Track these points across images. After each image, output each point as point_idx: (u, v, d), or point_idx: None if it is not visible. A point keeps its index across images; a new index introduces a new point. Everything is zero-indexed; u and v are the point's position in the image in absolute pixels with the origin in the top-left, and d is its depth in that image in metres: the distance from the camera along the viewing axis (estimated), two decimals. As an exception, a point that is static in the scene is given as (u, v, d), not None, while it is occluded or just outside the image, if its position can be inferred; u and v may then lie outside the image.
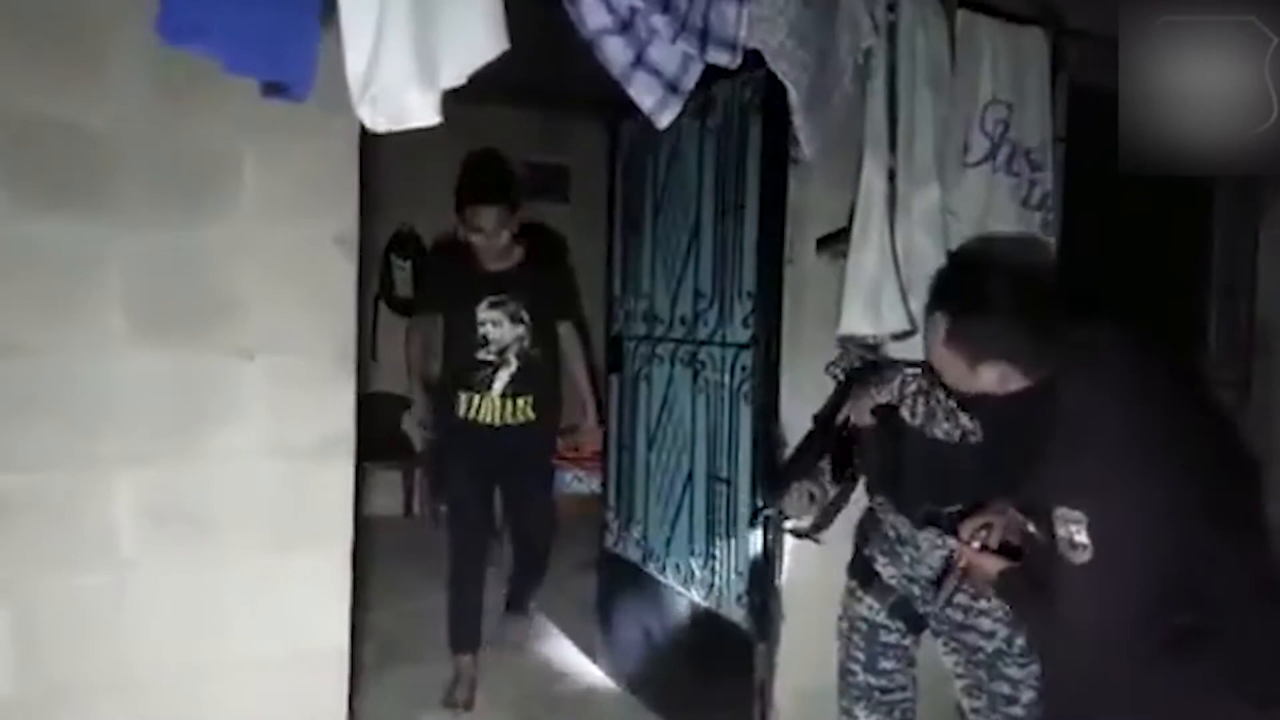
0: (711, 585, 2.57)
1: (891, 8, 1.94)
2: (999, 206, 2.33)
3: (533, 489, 3.12)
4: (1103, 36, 2.84)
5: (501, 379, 2.90)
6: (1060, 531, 1.46)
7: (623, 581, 2.98)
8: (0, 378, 1.62)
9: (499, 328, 2.88)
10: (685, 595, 2.67)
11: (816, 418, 2.08)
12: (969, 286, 1.59)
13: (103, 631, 1.73)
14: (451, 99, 1.42)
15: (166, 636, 1.78)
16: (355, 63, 1.22)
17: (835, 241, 2.26)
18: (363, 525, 1.98)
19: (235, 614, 1.84)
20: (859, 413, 1.99)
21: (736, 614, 2.44)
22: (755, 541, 2.38)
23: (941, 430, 1.90)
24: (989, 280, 1.57)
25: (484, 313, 2.87)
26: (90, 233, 1.68)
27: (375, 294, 4.70)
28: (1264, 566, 1.55)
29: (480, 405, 2.90)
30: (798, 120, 1.75)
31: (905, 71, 1.96)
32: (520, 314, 2.89)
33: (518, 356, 2.90)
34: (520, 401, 2.92)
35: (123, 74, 1.64)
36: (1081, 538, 1.42)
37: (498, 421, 2.91)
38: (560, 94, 3.49)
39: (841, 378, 2.15)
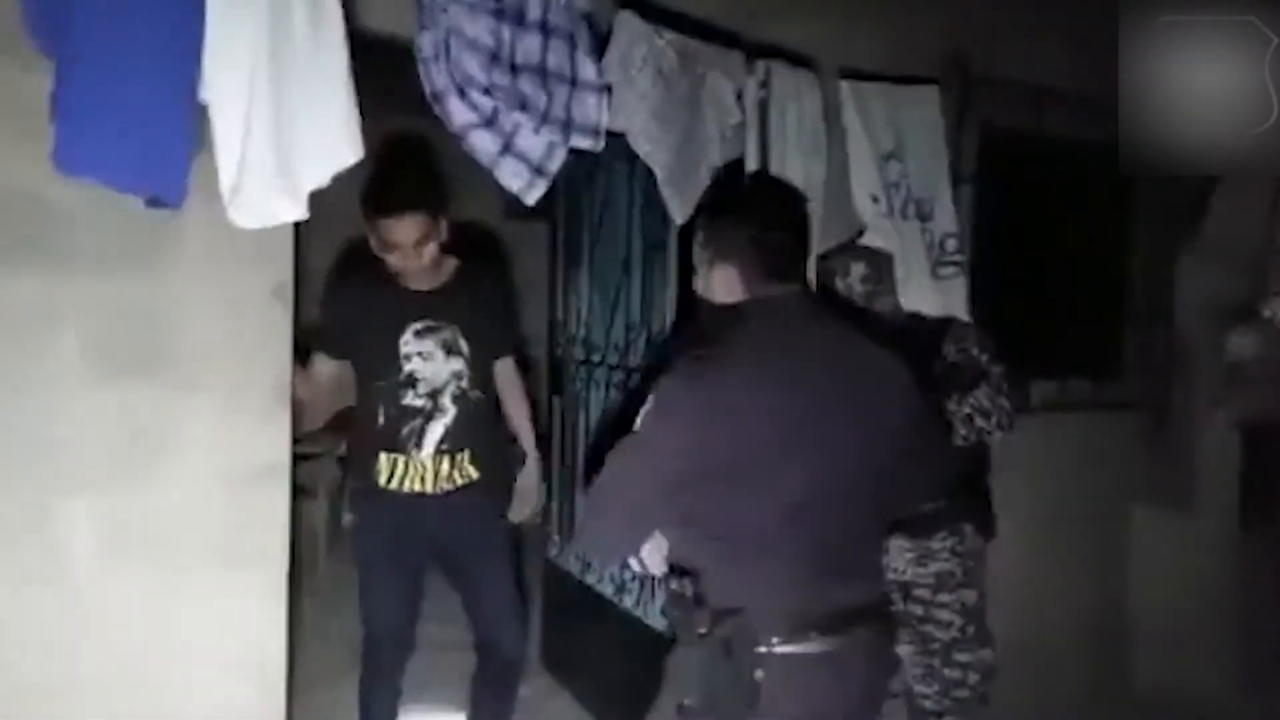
0: (639, 596, 2.80)
1: (764, 84, 2.15)
2: (910, 249, 2.51)
3: (487, 576, 2.39)
4: (1017, 81, 3.06)
5: (434, 431, 2.28)
6: None
7: (562, 590, 3.21)
8: None
9: (429, 362, 2.27)
10: (617, 604, 2.89)
11: None
12: (717, 194, 1.98)
13: (62, 639, 1.93)
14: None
15: (121, 644, 1.96)
16: (226, 175, 1.44)
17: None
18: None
19: (183, 624, 2.01)
20: None
21: (661, 623, 2.65)
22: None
23: None
24: (731, 190, 1.91)
25: (409, 344, 2.26)
26: (51, 286, 1.91)
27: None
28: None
29: (407, 468, 2.28)
30: (665, 191, 1.95)
31: (776, 140, 2.17)
32: (456, 343, 2.29)
33: (455, 400, 2.29)
34: (459, 458, 2.31)
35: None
36: None
37: (431, 488, 2.29)
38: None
39: None
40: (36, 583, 1.91)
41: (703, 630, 1.52)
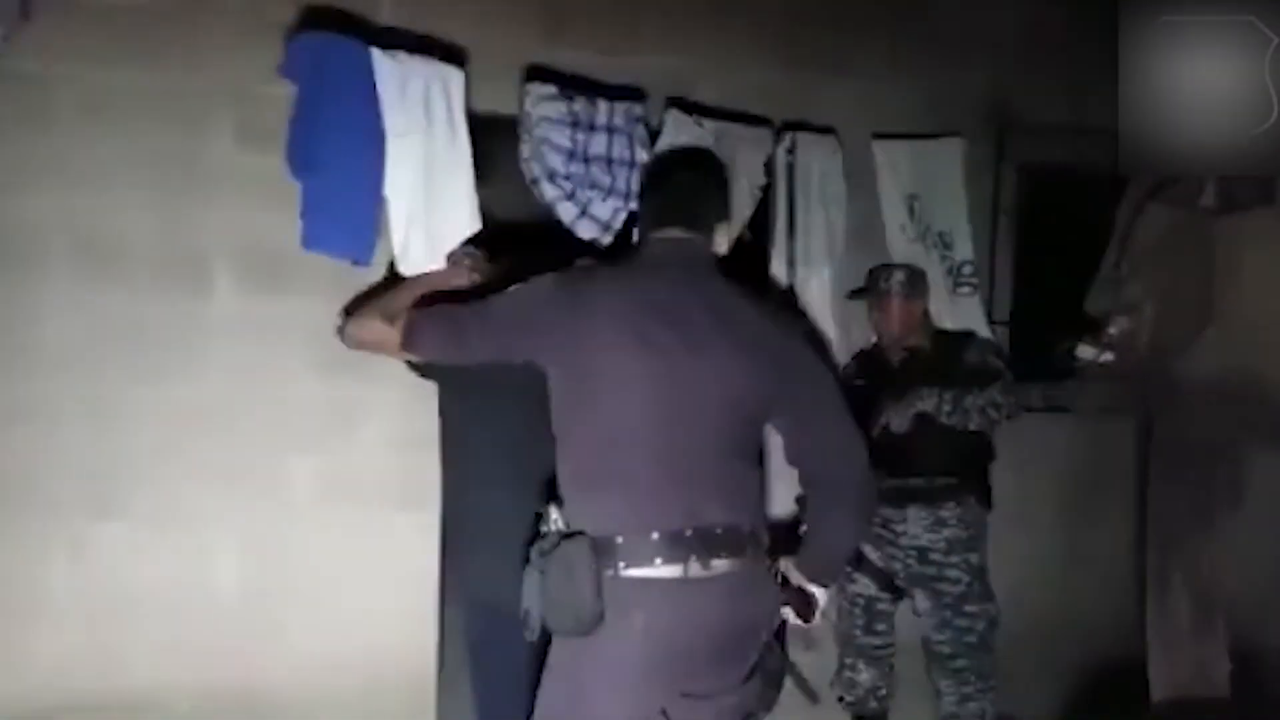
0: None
1: (790, 151, 2.77)
2: (931, 273, 3.05)
3: None
4: (1051, 123, 3.46)
5: None
6: None
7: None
8: (223, 402, 2.66)
9: None
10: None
11: None
12: None
13: (287, 555, 2.73)
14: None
15: (326, 559, 2.75)
16: (398, 244, 2.25)
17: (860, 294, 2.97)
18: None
19: (367, 548, 2.77)
20: (900, 421, 2.65)
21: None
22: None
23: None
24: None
25: None
26: (283, 305, 2.68)
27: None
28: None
29: None
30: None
31: (801, 195, 2.78)
32: None
33: None
34: None
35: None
36: None
37: None
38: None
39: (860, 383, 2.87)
40: (271, 514, 2.72)
41: (545, 552, 1.59)
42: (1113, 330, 2.54)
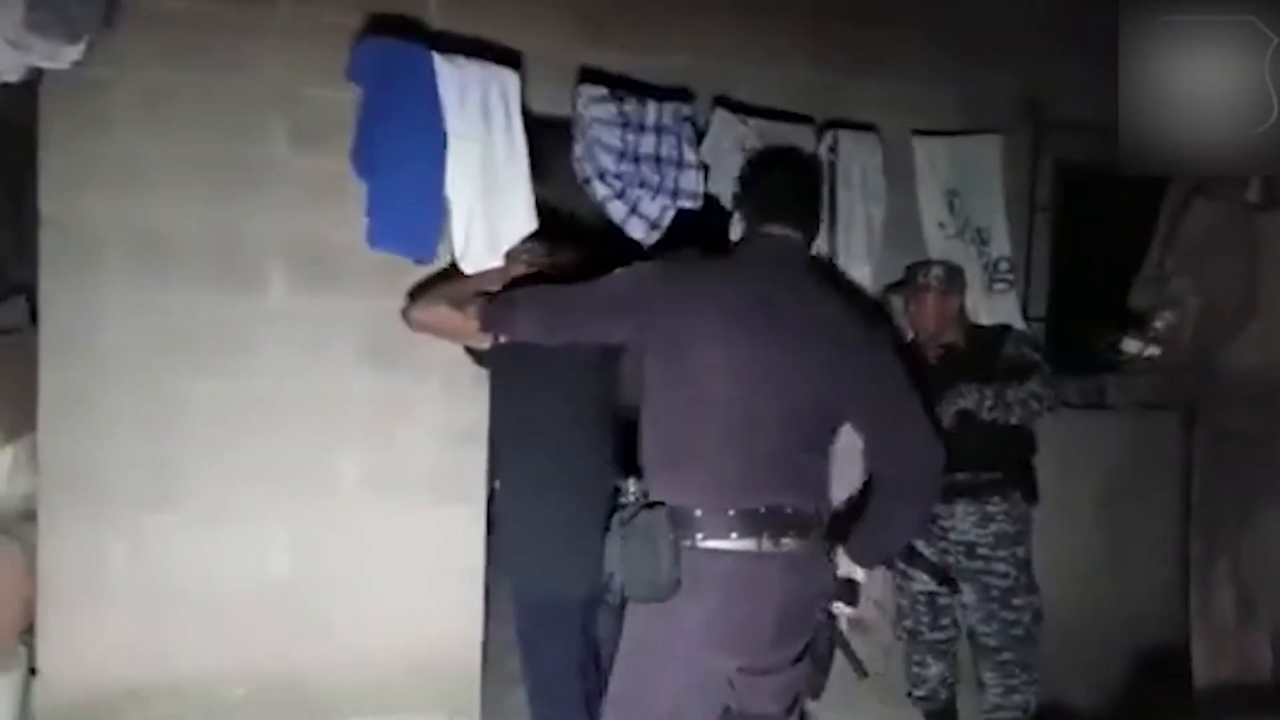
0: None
1: (832, 149, 2.80)
2: (968, 268, 3.08)
3: None
4: (1086, 121, 3.47)
5: None
6: None
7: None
8: (274, 397, 2.71)
9: None
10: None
11: None
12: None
13: (337, 545, 2.79)
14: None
15: (375, 550, 2.80)
16: (458, 243, 2.31)
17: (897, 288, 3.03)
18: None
19: (414, 539, 2.83)
20: (942, 419, 2.65)
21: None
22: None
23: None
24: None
25: None
26: (337, 303, 2.73)
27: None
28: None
29: None
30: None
31: (843, 190, 2.82)
32: None
33: None
34: None
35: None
36: None
37: None
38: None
39: None
40: (320, 508, 2.78)
41: (626, 520, 1.69)
42: (1158, 325, 2.57)
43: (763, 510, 1.68)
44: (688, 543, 1.65)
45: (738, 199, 2.05)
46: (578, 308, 1.84)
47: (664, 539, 1.64)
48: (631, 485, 1.78)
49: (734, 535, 1.66)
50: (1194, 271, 2.56)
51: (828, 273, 1.87)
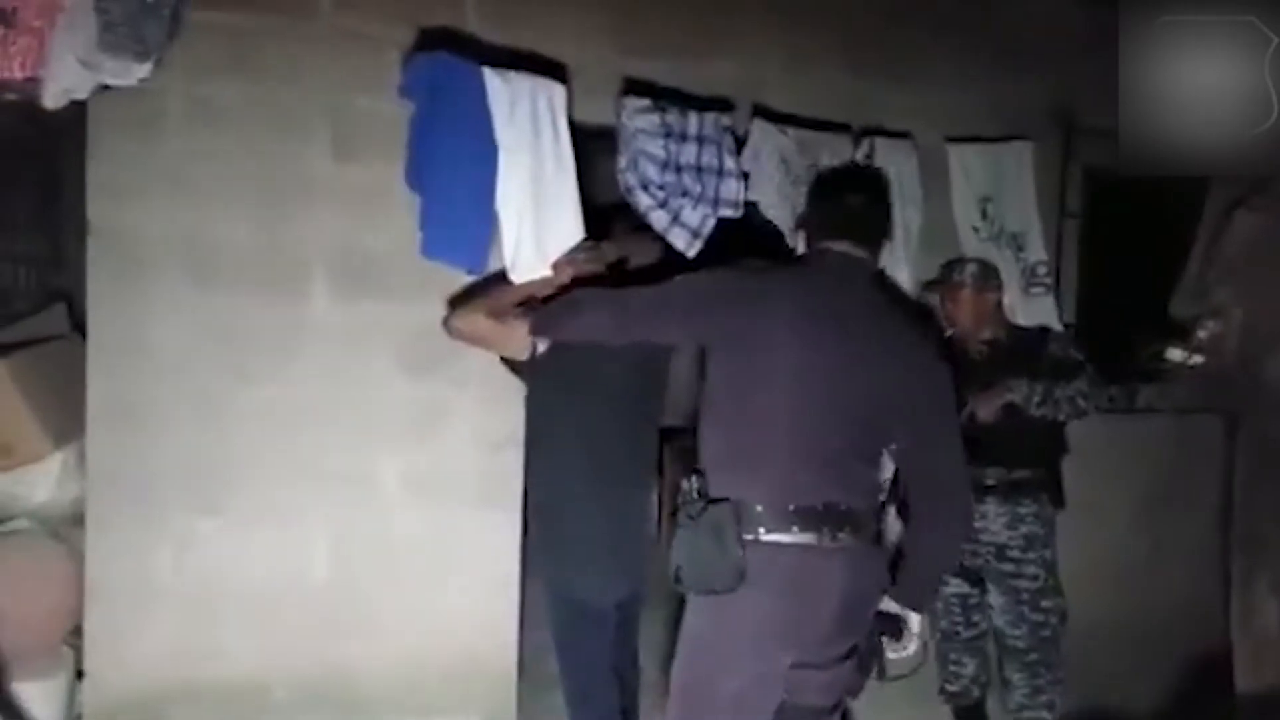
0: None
1: (869, 155, 2.82)
2: (1006, 273, 3.09)
3: None
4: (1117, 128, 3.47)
5: None
6: None
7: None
8: (317, 403, 2.75)
9: None
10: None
11: None
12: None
13: (377, 549, 2.82)
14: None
15: (413, 554, 2.83)
16: (508, 254, 2.35)
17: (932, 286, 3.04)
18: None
19: (452, 544, 2.86)
20: (988, 410, 2.71)
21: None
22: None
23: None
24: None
25: None
26: (378, 311, 2.77)
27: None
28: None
29: None
30: (788, 238, 2.65)
31: (880, 195, 2.83)
32: None
33: None
34: None
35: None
36: None
37: None
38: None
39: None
40: (362, 511, 2.82)
41: (694, 515, 1.75)
42: (1202, 334, 2.58)
43: (820, 507, 1.75)
44: (750, 536, 1.72)
45: (806, 214, 2.11)
46: (650, 306, 1.90)
47: (730, 531, 1.70)
48: (694, 483, 1.81)
49: (795, 529, 1.73)
50: (1236, 283, 2.57)
51: (891, 290, 1.87)
